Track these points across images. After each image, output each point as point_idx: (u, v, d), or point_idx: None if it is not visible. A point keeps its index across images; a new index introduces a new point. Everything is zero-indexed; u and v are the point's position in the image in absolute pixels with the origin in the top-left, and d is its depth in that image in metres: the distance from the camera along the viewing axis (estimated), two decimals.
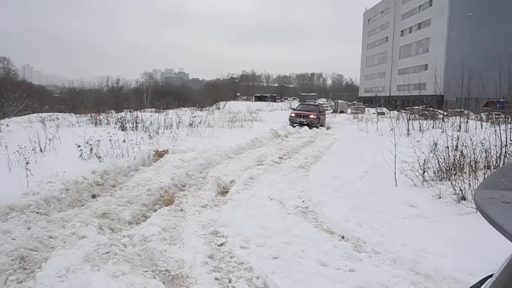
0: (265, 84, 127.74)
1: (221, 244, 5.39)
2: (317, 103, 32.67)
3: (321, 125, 26.06)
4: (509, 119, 10.72)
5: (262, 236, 5.52)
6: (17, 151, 8.52)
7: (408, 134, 14.90)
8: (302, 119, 24.94)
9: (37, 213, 6.38)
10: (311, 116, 25.15)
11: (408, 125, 16.10)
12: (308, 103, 31.17)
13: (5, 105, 28.79)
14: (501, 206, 0.97)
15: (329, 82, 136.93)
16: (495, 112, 14.83)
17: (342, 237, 5.70)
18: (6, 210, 6.12)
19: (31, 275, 4.39)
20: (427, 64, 52.73)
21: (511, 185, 1.12)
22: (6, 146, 8.72)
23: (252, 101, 68.42)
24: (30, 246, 4.99)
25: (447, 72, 39.03)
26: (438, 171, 7.83)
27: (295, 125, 24.45)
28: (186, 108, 33.08)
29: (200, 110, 32.87)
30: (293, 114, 25.79)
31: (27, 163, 7.93)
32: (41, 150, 9.87)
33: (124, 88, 50.82)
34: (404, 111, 24.99)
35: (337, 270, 4.54)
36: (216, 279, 4.33)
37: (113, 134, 11.32)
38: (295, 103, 37.46)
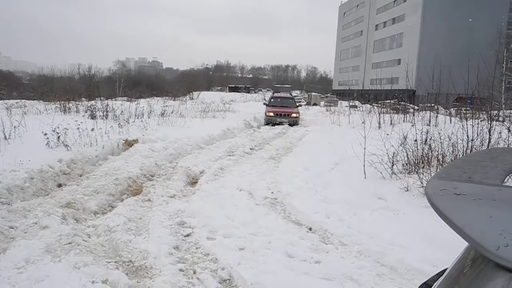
0: (239, 75, 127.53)
1: (187, 235, 5.33)
2: (291, 95, 27.63)
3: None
4: (477, 115, 10.98)
5: (230, 227, 5.48)
6: None
7: (379, 127, 15.10)
8: (283, 118, 21.07)
9: None
10: (293, 115, 21.50)
11: (379, 118, 16.31)
12: (283, 95, 25.92)
13: None
14: (452, 198, 0.94)
15: (303, 74, 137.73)
16: (464, 108, 15.17)
17: (310, 229, 5.71)
18: None
19: None
20: (400, 59, 53.44)
21: (465, 176, 1.09)
22: None
23: (226, 91, 68.11)
24: None
25: (419, 67, 39.65)
26: (406, 164, 7.94)
27: (274, 125, 20.54)
28: (158, 98, 32.70)
29: (173, 100, 32.54)
30: (271, 114, 21.31)
31: None
32: (5, 138, 9.58)
33: (96, 76, 49.88)
34: (376, 104, 25.30)
35: (303, 262, 4.54)
36: (180, 270, 4.27)
37: (82, 122, 11.07)
38: (269, 95, 35.39)
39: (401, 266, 4.48)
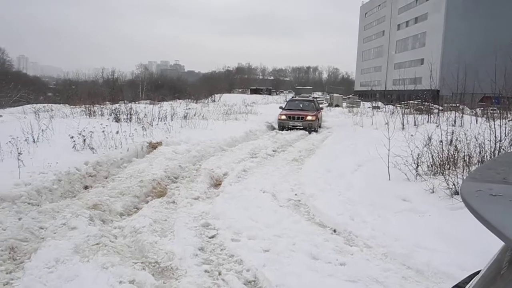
0: (260, 77, 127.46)
1: (212, 237, 5.38)
2: (311, 98, 26.11)
3: (319, 127, 20.34)
4: (504, 115, 10.74)
5: (254, 229, 5.50)
6: (9, 141, 8.46)
7: (403, 128, 14.91)
8: (296, 122, 18.83)
9: (29, 203, 6.34)
10: (309, 118, 18.84)
11: (403, 119, 16.11)
12: (301, 98, 24.67)
13: (0, 96, 28.67)
14: (488, 199, 0.94)
15: (324, 75, 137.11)
16: (491, 108, 14.86)
17: (334, 231, 5.69)
18: None
19: (20, 265, 4.36)
20: (423, 59, 52.62)
21: (499, 178, 1.09)
22: None
23: (248, 94, 68.22)
24: (21, 236, 4.96)
25: (443, 66, 39.07)
26: (431, 166, 7.83)
27: (286, 129, 18.80)
28: (181, 100, 32.94)
29: (195, 103, 32.75)
30: (283, 117, 19.17)
31: (19, 153, 7.86)
32: (34, 141, 9.80)
33: (119, 79, 50.36)
34: (399, 105, 25.01)
35: (328, 264, 4.53)
36: (206, 271, 4.31)
37: (107, 125, 11.25)
38: (290, 97, 34.72)
39: (428, 269, 4.42)
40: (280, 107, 21.29)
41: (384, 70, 71.44)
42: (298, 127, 18.44)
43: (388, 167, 7.94)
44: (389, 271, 4.37)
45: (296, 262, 4.51)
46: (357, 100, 47.31)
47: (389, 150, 8.06)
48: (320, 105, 26.23)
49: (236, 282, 4.08)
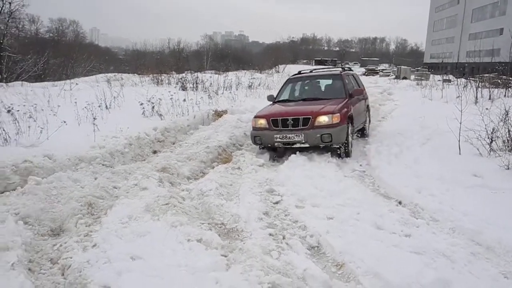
0: (325, 48, 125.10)
1: (276, 202, 5.46)
2: (339, 69, 10.72)
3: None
4: None
5: (318, 197, 5.52)
6: (85, 107, 8.95)
7: (476, 102, 14.12)
8: (289, 133, 7.69)
9: (103, 165, 6.74)
10: (323, 119, 7.59)
11: (476, 92, 15.26)
12: (317, 73, 10.66)
13: (74, 66, 30.27)
14: None
15: (392, 47, 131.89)
16: None
17: (399, 203, 5.57)
18: (76, 161, 6.52)
19: (98, 220, 4.67)
20: (503, 28, 49.10)
21: None
22: (75, 103, 9.16)
23: (312, 64, 67.25)
24: (97, 194, 5.30)
25: None
26: (508, 141, 7.40)
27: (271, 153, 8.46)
28: (245, 71, 33.10)
29: (260, 73, 32.78)
30: (260, 122, 8.13)
31: (94, 118, 8.33)
32: (106, 107, 10.28)
33: (185, 50, 51.53)
34: (472, 78, 23.65)
35: (393, 234, 4.46)
36: (270, 234, 4.40)
37: (174, 93, 11.57)
38: (356, 68, 29.95)
39: (499, 246, 4.23)
40: (270, 97, 9.60)
41: (457, 41, 67.47)
42: (295, 145, 7.79)
43: (459, 141, 7.59)
44: (457, 246, 4.22)
45: (360, 231, 4.48)
46: (426, 72, 45.31)
47: (460, 123, 7.70)
48: (387, 77, 21.67)
49: (300, 246, 4.14)
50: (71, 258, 3.71)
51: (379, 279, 3.53)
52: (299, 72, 10.79)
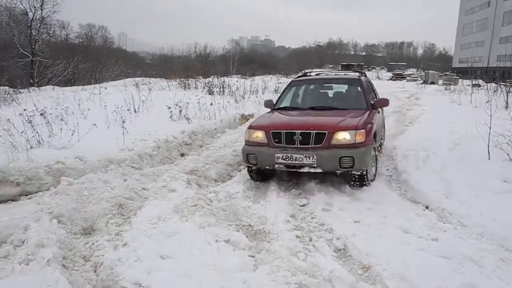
0: (352, 52, 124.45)
1: (303, 205, 5.48)
2: (357, 74, 8.30)
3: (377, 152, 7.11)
4: None
5: (344, 201, 5.53)
6: (114, 111, 9.17)
7: (507, 107, 13.85)
8: (300, 154, 5.65)
9: (132, 167, 6.91)
10: (342, 137, 5.69)
11: (507, 97, 14.94)
12: (330, 76, 8.82)
13: (103, 71, 30.99)
14: None
15: (420, 51, 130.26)
16: None
17: (426, 207, 5.52)
18: (106, 163, 6.70)
19: (128, 220, 4.79)
20: None
21: None
22: (105, 106, 9.40)
23: (338, 69, 66.94)
24: (127, 195, 5.43)
25: None
26: None
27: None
28: (271, 75, 33.20)
29: (286, 77, 32.84)
30: (256, 135, 6.15)
31: (123, 121, 8.52)
32: (135, 111, 10.50)
33: (211, 54, 52.00)
34: (503, 83, 23.08)
35: (419, 238, 4.43)
36: (297, 236, 4.43)
37: (201, 97, 11.74)
38: (383, 73, 28.77)
39: None
40: (268, 103, 7.79)
41: (487, 45, 66.10)
42: (303, 169, 5.76)
43: (488, 146, 7.47)
44: (485, 251, 4.17)
45: (386, 234, 4.47)
46: (455, 77, 44.55)
47: (490, 128, 7.57)
48: (415, 82, 20.76)
49: (326, 248, 4.16)
50: (103, 256, 3.83)
51: (405, 282, 3.52)
52: (305, 74, 8.97)
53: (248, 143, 6.25)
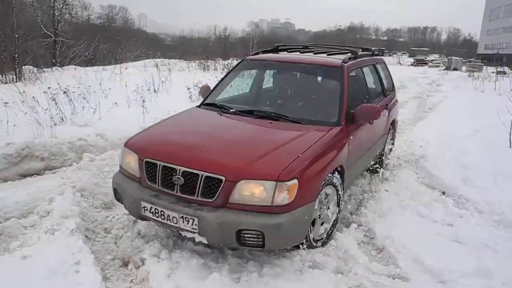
0: (373, 37, 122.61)
1: None
2: (340, 61, 4.69)
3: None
4: None
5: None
6: (134, 90, 9.29)
7: None
8: (170, 213, 3.24)
9: None
10: (250, 191, 3.12)
11: None
12: (301, 58, 5.21)
13: (124, 51, 31.23)
14: None
15: (443, 37, 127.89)
16: None
17: (443, 193, 5.53)
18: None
19: None
20: None
21: None
22: (126, 86, 9.53)
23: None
24: None
25: None
26: None
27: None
28: None
29: None
30: (129, 160, 3.76)
31: (143, 101, 8.63)
32: (154, 91, 10.62)
33: (230, 37, 51.79)
34: None
35: (435, 223, 4.47)
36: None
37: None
38: (404, 58, 28.30)
39: None
40: (203, 90, 5.60)
41: None
42: (184, 233, 3.33)
43: (510, 134, 7.40)
44: (501, 238, 4.18)
45: (402, 218, 4.52)
46: (479, 64, 43.65)
47: None
48: (437, 68, 20.08)
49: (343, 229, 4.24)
50: (122, 229, 3.96)
51: (419, 264, 3.58)
52: (264, 51, 5.85)
53: (121, 169, 3.92)
